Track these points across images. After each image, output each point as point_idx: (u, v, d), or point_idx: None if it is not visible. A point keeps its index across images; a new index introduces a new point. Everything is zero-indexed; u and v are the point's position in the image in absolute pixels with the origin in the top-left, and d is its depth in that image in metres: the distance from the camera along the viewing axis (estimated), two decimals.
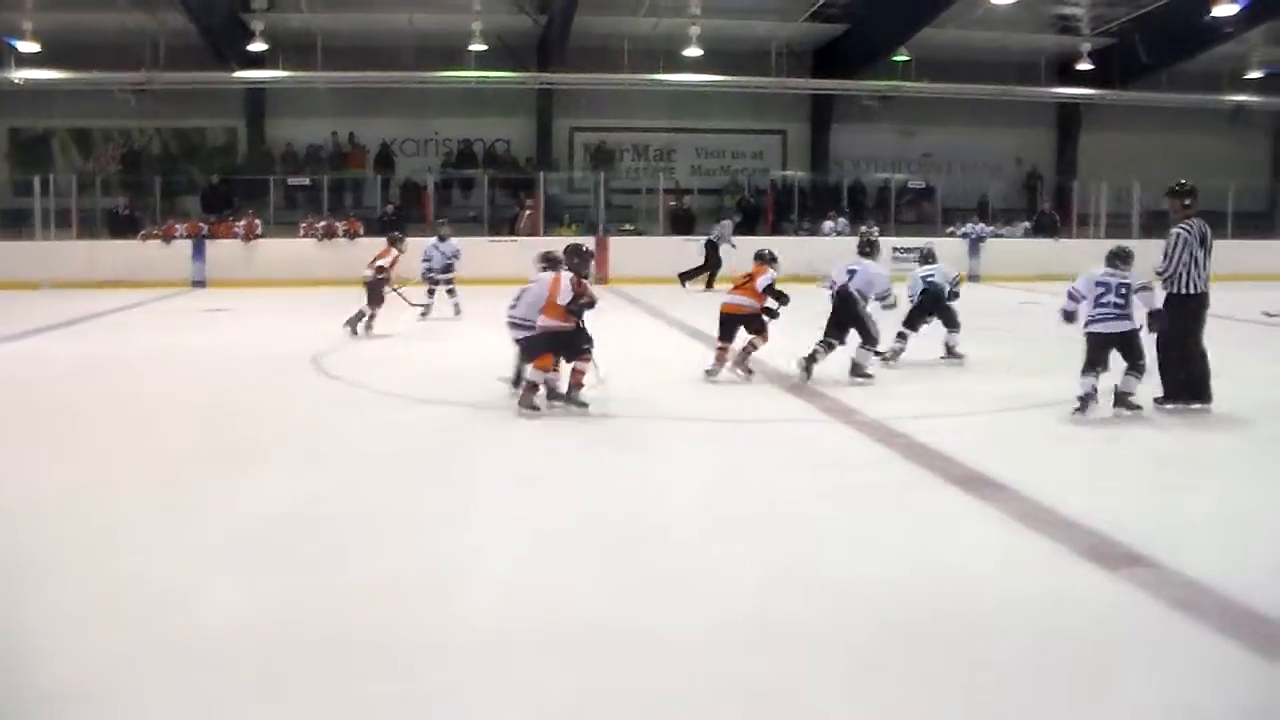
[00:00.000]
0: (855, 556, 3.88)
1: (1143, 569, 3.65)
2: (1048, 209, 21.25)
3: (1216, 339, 7.03)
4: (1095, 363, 6.20)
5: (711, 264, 16.91)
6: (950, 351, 8.52)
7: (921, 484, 4.94)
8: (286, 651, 3.02)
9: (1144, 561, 3.72)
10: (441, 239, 12.20)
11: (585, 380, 6.39)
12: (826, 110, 22.54)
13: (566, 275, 6.36)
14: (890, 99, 21.45)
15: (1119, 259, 6.34)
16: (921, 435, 5.87)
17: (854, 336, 7.52)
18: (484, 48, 19.20)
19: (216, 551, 3.90)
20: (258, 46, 18.92)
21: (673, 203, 20.64)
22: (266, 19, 18.93)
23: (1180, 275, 6.22)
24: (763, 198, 21.66)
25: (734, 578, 3.66)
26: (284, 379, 8.18)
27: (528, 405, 6.24)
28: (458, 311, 11.89)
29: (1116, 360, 6.32)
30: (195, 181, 20.21)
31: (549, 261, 6.66)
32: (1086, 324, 6.28)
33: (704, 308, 12.84)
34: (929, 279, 8.50)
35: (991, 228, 20.22)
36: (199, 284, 16.92)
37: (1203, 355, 6.37)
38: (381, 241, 11.27)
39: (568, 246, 6.69)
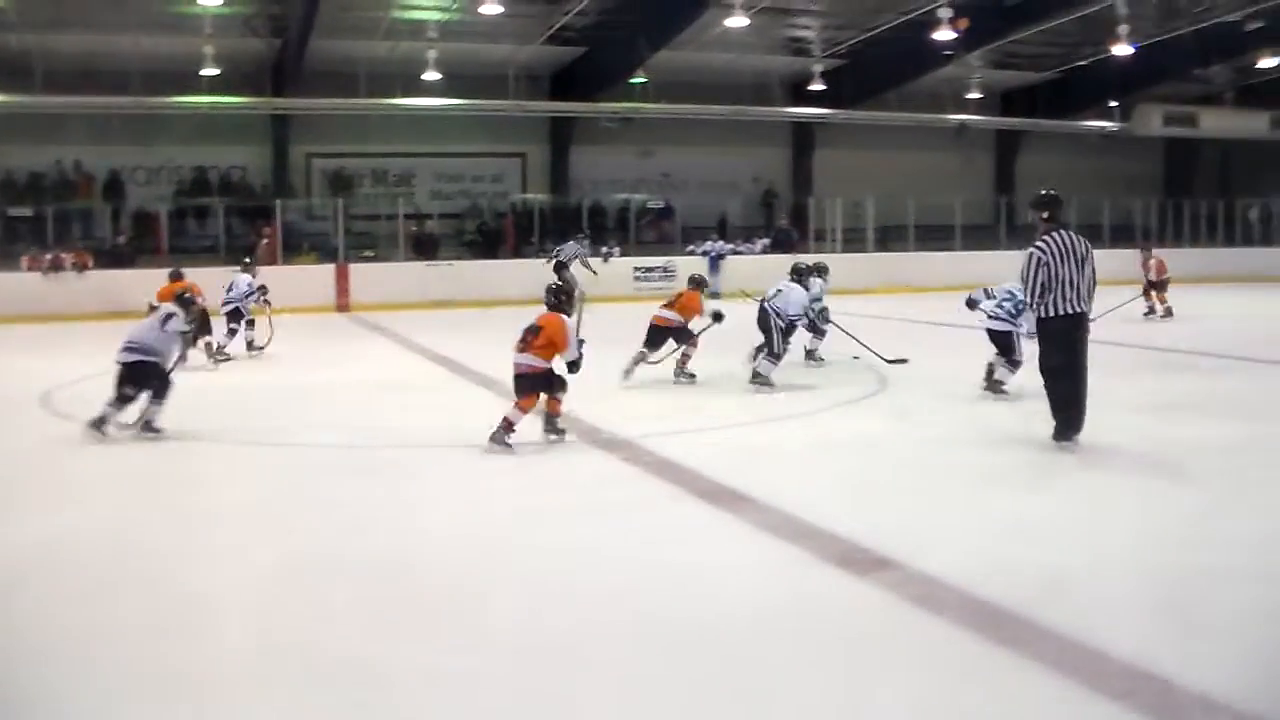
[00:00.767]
0: (610, 573, 5.03)
1: (889, 572, 4.87)
2: (785, 225, 28.00)
3: (957, 349, 10.76)
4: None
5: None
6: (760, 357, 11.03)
7: (671, 500, 6.43)
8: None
9: (891, 565, 4.95)
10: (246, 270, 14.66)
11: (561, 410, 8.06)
12: (566, 132, 28.69)
13: (570, 323, 7.92)
14: (629, 120, 27.56)
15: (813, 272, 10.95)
16: (669, 452, 7.64)
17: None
18: (216, 72, 23.47)
19: None
20: None
21: (414, 228, 25.92)
22: None
23: (1047, 297, 7.16)
24: (503, 221, 27.43)
25: (494, 603, 4.67)
26: (8, 419, 9.55)
27: (500, 442, 7.61)
28: (250, 346, 14.13)
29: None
30: None
31: (556, 299, 8.18)
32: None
33: (450, 332, 16.69)
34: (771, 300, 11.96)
35: (731, 245, 26.43)
36: None
37: (1080, 382, 7.31)
38: (121, 274, 14.78)
39: (550, 286, 8.50)
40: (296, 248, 24.31)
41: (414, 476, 7.39)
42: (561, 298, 8.27)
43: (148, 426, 8.35)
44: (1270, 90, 32.18)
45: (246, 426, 9.23)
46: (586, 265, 22.03)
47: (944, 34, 22.74)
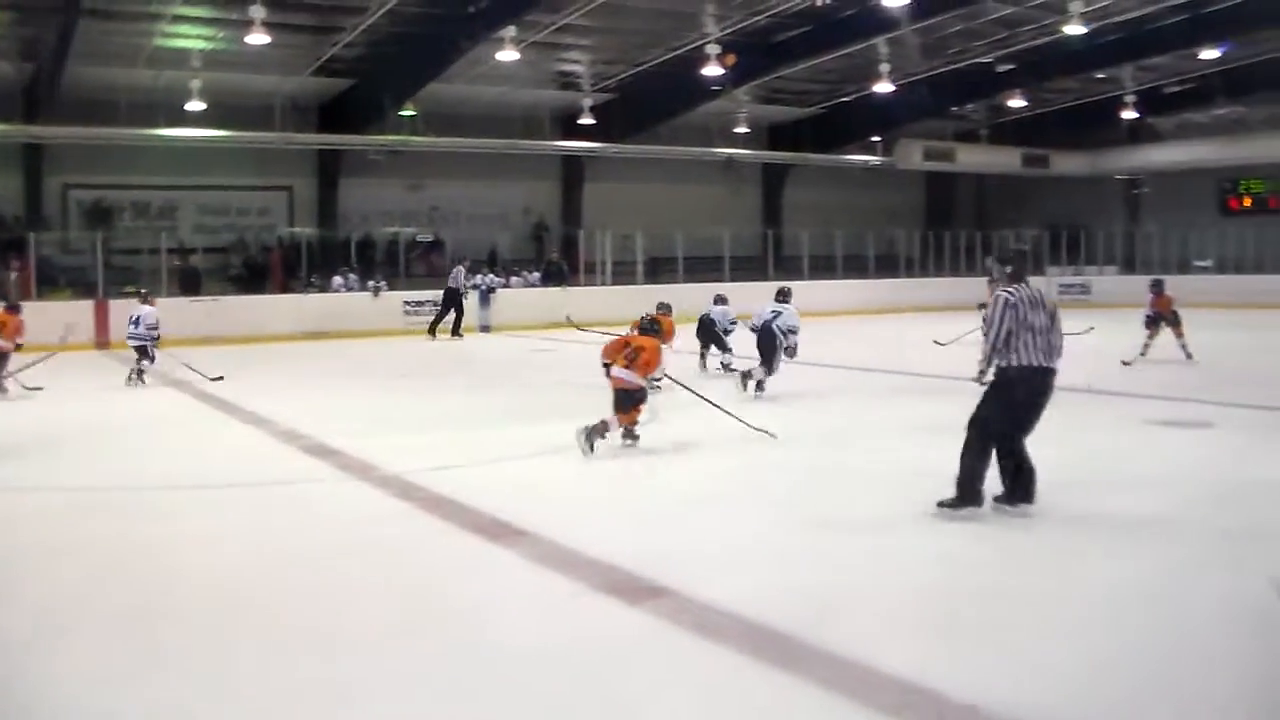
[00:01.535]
0: (382, 614, 6.13)
1: (664, 600, 6.14)
2: (556, 258, 34.97)
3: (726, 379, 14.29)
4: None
5: (456, 310, 27.87)
6: (726, 368, 17.04)
7: (444, 535, 7.85)
8: None
9: (664, 593, 6.26)
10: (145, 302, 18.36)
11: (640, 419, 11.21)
12: (334, 165, 34.74)
13: (664, 349, 11.58)
14: (398, 153, 33.32)
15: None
16: (441, 487, 9.23)
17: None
18: None
19: None
20: None
21: (177, 262, 30.67)
22: None
23: (1013, 342, 8.04)
24: (269, 255, 32.77)
25: (249, 649, 5.62)
26: None
27: (592, 439, 10.71)
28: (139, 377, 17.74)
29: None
30: None
31: (648, 323, 11.93)
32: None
33: (216, 370, 18.38)
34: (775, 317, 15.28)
35: (501, 278, 32.87)
36: None
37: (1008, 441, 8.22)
38: None
39: (645, 315, 12.47)
40: (52, 282, 28.21)
41: (174, 517, 8.69)
42: (656, 325, 11.96)
43: None
44: (1020, 128, 42.66)
45: None
46: (464, 288, 28.79)
47: (712, 69, 29.18)
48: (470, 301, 30.21)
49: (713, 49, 29.09)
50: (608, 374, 11.59)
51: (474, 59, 29.35)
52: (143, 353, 18.17)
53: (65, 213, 32.75)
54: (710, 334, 18.66)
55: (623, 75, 34.85)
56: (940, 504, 8.19)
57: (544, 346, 25.02)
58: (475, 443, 12.08)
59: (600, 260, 35.28)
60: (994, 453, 8.18)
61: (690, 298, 33.58)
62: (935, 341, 22.56)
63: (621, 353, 11.61)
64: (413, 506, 8.88)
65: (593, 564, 7.02)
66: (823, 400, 15.71)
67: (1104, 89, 39.67)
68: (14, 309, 17.28)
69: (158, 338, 18.45)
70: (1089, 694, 5.01)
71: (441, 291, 29.04)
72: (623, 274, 35.61)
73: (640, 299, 32.36)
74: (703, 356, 18.83)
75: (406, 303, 31.15)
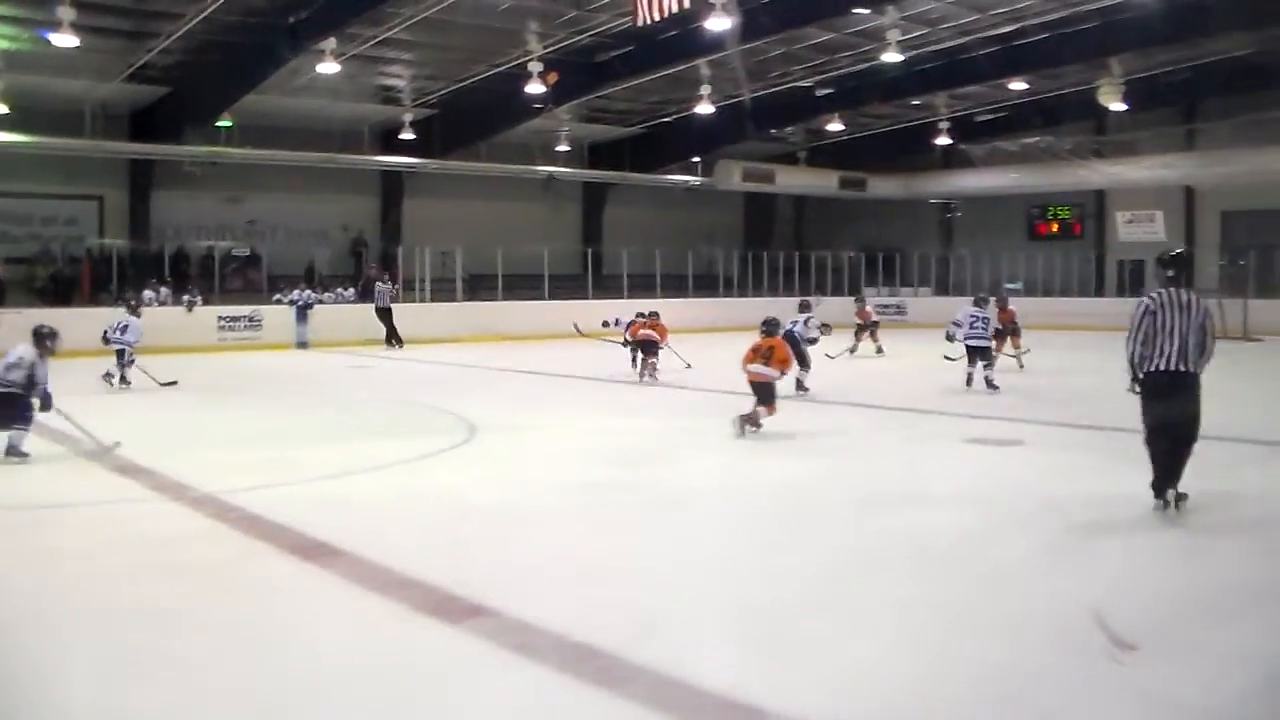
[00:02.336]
0: (194, 637, 6.04)
1: (484, 619, 6.18)
2: (374, 274, 34.60)
3: (547, 399, 15.84)
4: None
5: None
6: (799, 385, 17.70)
7: (259, 556, 7.74)
8: None
9: (484, 612, 6.28)
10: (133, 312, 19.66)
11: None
12: (147, 175, 34.23)
13: (787, 346, 14.05)
14: (214, 165, 33.49)
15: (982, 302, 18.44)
16: (255, 507, 9.16)
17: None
18: None
19: None
20: None
21: None
22: None
23: (1149, 349, 8.68)
24: (78, 267, 32.18)
25: (59, 669, 5.60)
26: None
27: (746, 426, 13.13)
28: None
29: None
30: None
31: (769, 326, 14.14)
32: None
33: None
34: (792, 326, 17.99)
35: (319, 294, 32.92)
36: None
37: (1167, 440, 8.74)
38: None
39: (767, 317, 14.55)
40: None
41: None
42: (777, 327, 14.54)
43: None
44: (838, 151, 43.96)
45: None
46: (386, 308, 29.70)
47: (534, 87, 29.57)
48: (288, 318, 30.66)
49: (535, 67, 29.49)
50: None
51: (294, 70, 29.18)
52: (121, 356, 19.32)
53: None
54: (794, 349, 17.82)
55: (444, 91, 35.11)
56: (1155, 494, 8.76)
57: (361, 364, 25.17)
58: (292, 461, 11.99)
59: (419, 277, 35.57)
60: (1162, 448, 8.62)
61: (510, 315, 34.69)
62: (826, 355, 23.25)
63: (759, 354, 13.53)
64: (227, 526, 8.80)
65: (412, 583, 7.07)
66: (645, 417, 16.10)
67: (919, 115, 41.28)
68: None
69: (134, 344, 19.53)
70: (908, 706, 5.22)
71: (259, 308, 29.64)
72: (442, 291, 36.03)
73: (459, 316, 33.38)
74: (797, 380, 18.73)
75: (221, 318, 30.99)
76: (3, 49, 27.93)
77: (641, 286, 39.33)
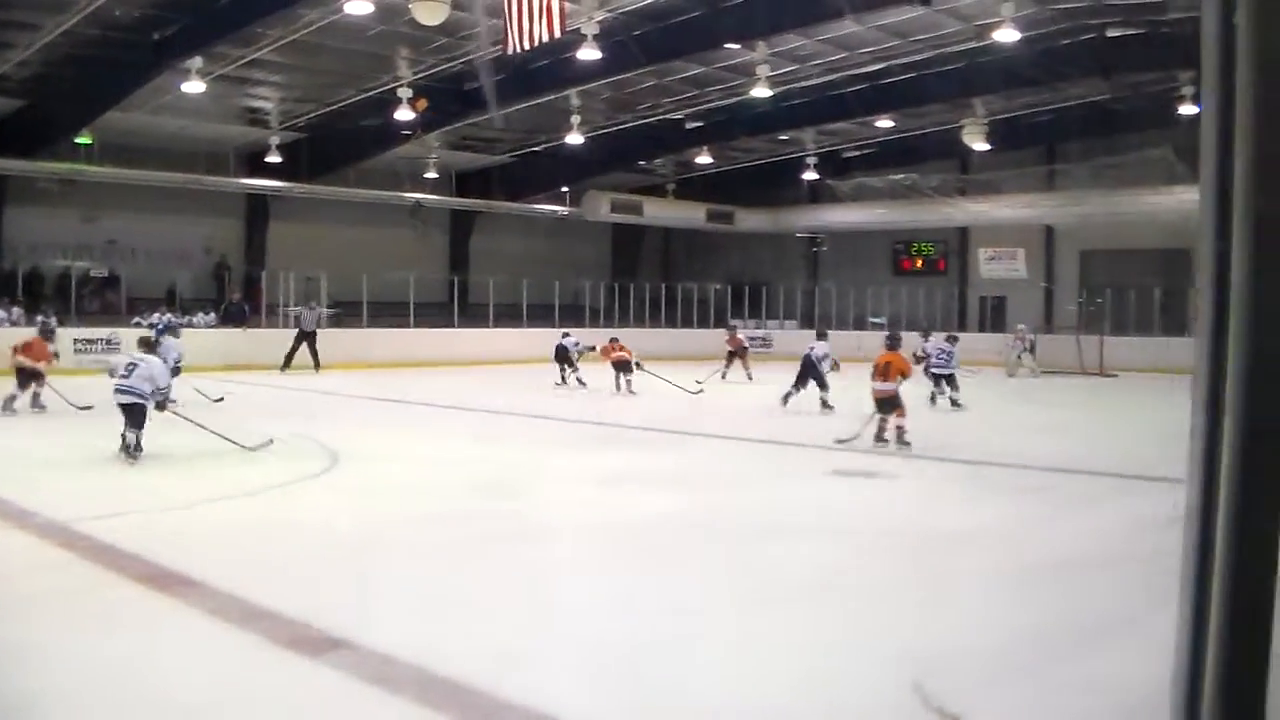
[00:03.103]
0: (34, 674, 5.83)
1: (343, 652, 6.11)
2: (237, 299, 34.81)
3: (412, 425, 16.58)
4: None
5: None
6: (824, 404, 20.47)
7: (109, 587, 7.54)
8: None
9: (344, 645, 6.22)
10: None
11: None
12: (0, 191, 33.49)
13: (904, 357, 16.25)
14: (72, 182, 33.04)
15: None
16: (106, 535, 8.92)
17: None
18: None
19: None
20: None
21: None
22: None
23: None
24: None
25: None
26: None
27: (903, 441, 15.28)
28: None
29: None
30: None
31: (893, 340, 16.65)
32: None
33: None
34: (811, 351, 20.99)
35: (180, 318, 32.09)
36: None
37: None
38: None
39: (890, 333, 17.26)
40: None
41: None
42: (899, 340, 16.93)
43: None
44: (707, 184, 44.70)
45: None
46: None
47: (404, 113, 29.82)
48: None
49: (405, 92, 29.68)
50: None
51: (157, 88, 28.80)
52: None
53: None
54: (813, 371, 21.15)
55: (313, 114, 34.80)
56: None
57: (222, 389, 23.93)
58: (147, 488, 11.79)
59: (283, 302, 35.10)
60: None
61: (375, 343, 34.56)
62: (696, 380, 25.59)
63: (878, 371, 15.55)
64: (76, 555, 8.54)
65: (268, 615, 6.93)
66: (508, 447, 16.24)
67: (787, 150, 42.31)
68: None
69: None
70: None
71: (118, 330, 29.34)
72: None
73: (323, 343, 32.76)
74: (795, 391, 21.14)
75: (77, 340, 30.05)
76: None
77: (508, 316, 39.64)
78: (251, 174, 37.50)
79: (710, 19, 26.28)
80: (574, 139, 35.64)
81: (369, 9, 22.43)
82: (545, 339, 31.69)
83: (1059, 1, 26.01)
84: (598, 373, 24.90)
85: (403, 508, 11.17)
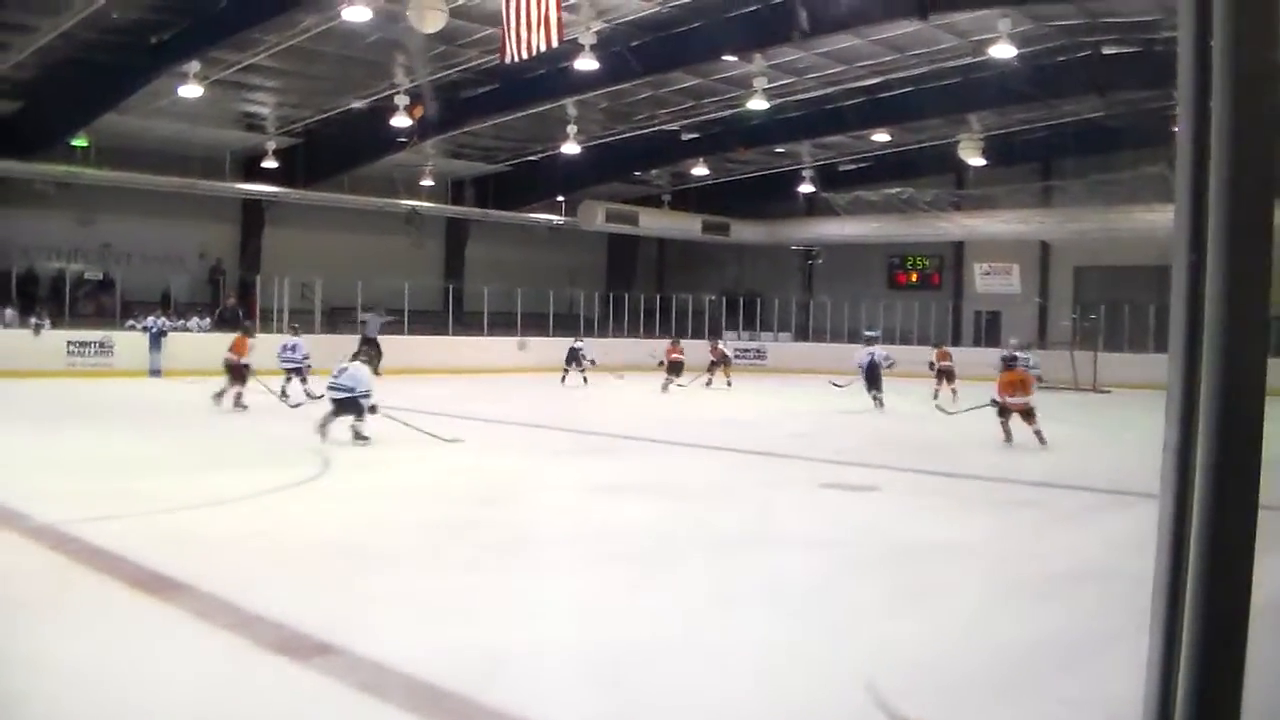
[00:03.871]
0: (20, 679, 5.75)
1: (332, 657, 6.09)
2: (231, 304, 34.90)
3: (399, 435, 15.39)
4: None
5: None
6: (878, 402, 23.41)
7: (98, 588, 7.54)
8: None
9: (332, 650, 6.18)
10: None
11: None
12: None
13: (1030, 376, 18.63)
14: (68, 185, 32.99)
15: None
16: (96, 538, 8.89)
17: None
18: None
19: None
20: None
21: None
22: None
23: None
24: None
25: None
26: None
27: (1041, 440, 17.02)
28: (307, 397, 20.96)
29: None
30: None
31: (1009, 361, 19.21)
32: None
33: None
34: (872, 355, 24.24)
35: (174, 322, 32.60)
36: None
37: None
38: None
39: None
40: None
41: None
42: (1015, 360, 19.30)
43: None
44: (702, 195, 44.82)
45: None
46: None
47: (400, 120, 30.03)
48: (142, 345, 30.42)
49: (401, 100, 29.75)
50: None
51: (154, 92, 28.87)
52: (297, 374, 22.74)
53: None
54: (876, 376, 23.92)
55: (309, 120, 35.04)
56: None
57: (216, 393, 24.49)
58: (137, 492, 11.62)
59: (277, 308, 35.13)
60: None
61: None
62: (679, 384, 26.89)
63: (1015, 388, 17.44)
64: (66, 559, 8.45)
65: (258, 620, 6.88)
66: (500, 456, 16.18)
67: (784, 162, 42.38)
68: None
69: (309, 365, 22.56)
70: None
71: (111, 333, 29.24)
72: (301, 322, 34.95)
73: (317, 349, 32.67)
74: (875, 398, 23.83)
75: (71, 343, 30.26)
76: None
77: (502, 324, 39.70)
78: (247, 179, 37.58)
79: (708, 31, 26.40)
80: (570, 149, 35.66)
81: (367, 16, 22.37)
82: (541, 349, 31.81)
83: (1055, 19, 26.12)
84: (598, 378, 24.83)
85: (393, 514, 11.17)
